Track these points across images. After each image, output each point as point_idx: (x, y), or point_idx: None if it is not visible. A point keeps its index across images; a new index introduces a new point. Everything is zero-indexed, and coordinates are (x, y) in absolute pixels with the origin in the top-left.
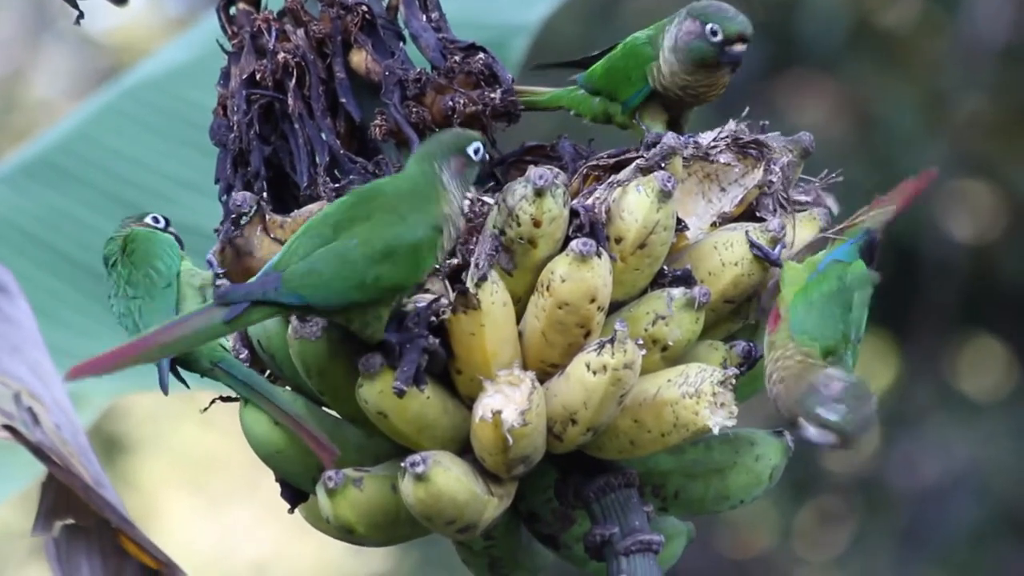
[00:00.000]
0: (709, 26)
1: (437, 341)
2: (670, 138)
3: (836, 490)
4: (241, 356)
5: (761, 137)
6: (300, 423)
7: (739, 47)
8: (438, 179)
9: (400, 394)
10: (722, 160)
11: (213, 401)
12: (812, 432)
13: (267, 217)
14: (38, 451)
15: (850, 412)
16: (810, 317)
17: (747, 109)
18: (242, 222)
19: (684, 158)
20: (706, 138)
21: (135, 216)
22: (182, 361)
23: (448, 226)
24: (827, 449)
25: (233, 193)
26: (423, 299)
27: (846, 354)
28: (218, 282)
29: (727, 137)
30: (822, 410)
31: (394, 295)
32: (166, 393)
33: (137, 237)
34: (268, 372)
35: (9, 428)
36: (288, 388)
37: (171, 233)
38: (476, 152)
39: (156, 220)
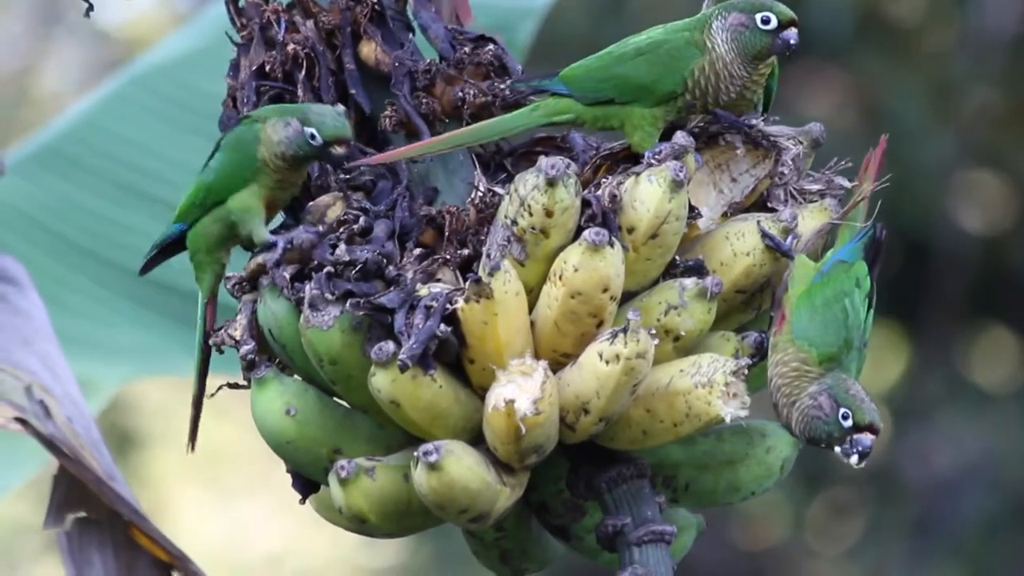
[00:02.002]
0: (760, 15)
1: (450, 329)
2: (680, 137)
3: (848, 482)
4: (247, 347)
5: (771, 128)
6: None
7: (792, 31)
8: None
9: (403, 368)
10: (731, 141)
11: (220, 387)
12: (846, 450)
13: None
14: (50, 444)
15: (858, 405)
16: (813, 323)
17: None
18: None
19: (695, 146)
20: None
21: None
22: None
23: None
24: (867, 451)
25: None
26: (439, 287)
27: (848, 360)
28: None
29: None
30: (843, 422)
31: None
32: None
33: (227, 139)
34: (279, 360)
35: (21, 421)
36: (298, 377)
37: (330, 148)
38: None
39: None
